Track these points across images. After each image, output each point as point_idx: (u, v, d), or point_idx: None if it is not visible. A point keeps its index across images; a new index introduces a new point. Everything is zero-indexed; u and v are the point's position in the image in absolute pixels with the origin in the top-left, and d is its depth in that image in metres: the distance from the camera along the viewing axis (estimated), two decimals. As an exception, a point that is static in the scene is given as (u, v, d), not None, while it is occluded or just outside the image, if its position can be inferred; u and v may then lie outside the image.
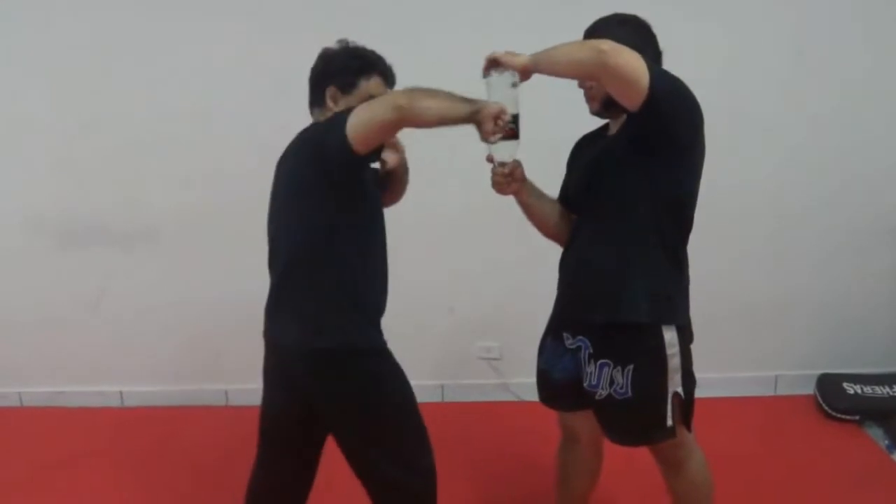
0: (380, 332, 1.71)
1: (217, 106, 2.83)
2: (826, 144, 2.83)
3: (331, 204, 1.58)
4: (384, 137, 1.57)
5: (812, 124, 2.81)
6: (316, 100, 1.68)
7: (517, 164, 1.67)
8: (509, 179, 1.66)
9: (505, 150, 1.61)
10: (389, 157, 1.81)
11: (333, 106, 1.63)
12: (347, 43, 1.68)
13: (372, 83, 1.65)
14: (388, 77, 1.68)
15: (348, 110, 1.52)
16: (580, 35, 1.62)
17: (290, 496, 1.83)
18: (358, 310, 1.65)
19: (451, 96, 1.49)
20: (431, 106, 1.47)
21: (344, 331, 1.63)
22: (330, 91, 1.63)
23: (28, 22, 2.82)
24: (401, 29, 2.62)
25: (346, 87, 1.63)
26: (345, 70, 1.62)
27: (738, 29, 2.72)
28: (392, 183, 1.87)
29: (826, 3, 2.71)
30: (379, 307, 1.72)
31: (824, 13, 2.72)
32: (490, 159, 1.64)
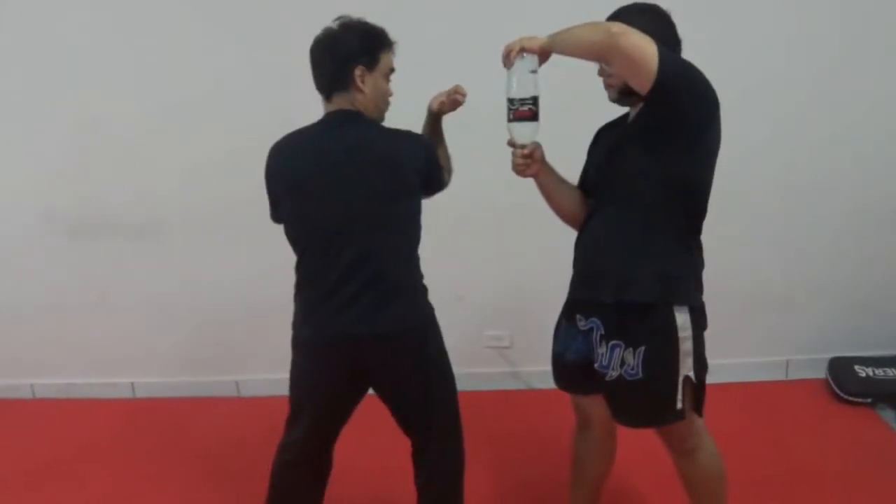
0: None
1: (222, 100, 2.83)
2: (834, 125, 2.80)
3: (419, 206, 1.76)
4: None
5: (820, 104, 2.78)
6: (341, 82, 1.70)
7: (536, 146, 1.70)
8: (529, 161, 1.70)
9: (525, 132, 1.65)
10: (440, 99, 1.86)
11: (362, 85, 1.69)
12: (348, 19, 1.71)
13: (387, 55, 1.73)
14: (392, 45, 1.77)
15: (427, 142, 1.79)
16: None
17: (322, 465, 1.91)
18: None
19: None
20: None
21: (429, 307, 1.82)
22: (358, 70, 1.68)
23: (34, 18, 2.82)
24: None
25: (371, 64, 1.69)
26: (366, 48, 1.69)
27: (736, 11, 2.68)
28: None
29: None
30: None
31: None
32: (511, 143, 1.68)
